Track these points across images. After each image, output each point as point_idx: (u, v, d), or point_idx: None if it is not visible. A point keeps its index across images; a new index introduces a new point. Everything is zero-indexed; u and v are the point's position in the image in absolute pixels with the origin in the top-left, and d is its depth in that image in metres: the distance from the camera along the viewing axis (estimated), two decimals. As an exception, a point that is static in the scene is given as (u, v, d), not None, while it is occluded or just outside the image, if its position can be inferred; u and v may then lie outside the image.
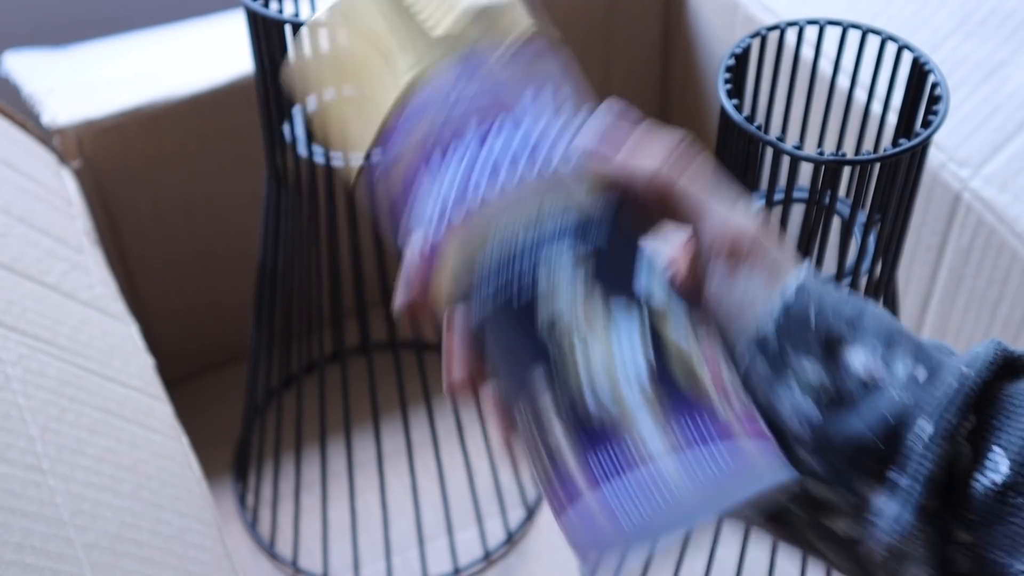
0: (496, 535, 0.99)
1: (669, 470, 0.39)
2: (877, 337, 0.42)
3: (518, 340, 0.42)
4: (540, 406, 0.41)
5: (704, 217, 0.43)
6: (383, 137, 0.45)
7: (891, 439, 0.40)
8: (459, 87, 0.44)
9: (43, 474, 0.60)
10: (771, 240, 0.43)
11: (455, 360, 0.44)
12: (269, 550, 0.98)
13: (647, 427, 0.39)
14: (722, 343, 0.43)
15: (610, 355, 0.40)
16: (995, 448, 0.40)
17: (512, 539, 0.99)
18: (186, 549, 0.65)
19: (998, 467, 0.39)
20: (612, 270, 0.42)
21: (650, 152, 0.43)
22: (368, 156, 0.46)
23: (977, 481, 0.40)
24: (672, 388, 0.40)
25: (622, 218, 0.43)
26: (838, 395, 0.41)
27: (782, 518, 0.45)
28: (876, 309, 0.43)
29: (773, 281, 0.43)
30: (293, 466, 0.97)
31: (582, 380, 0.40)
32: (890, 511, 0.41)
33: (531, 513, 1.01)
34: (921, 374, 0.41)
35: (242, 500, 1.02)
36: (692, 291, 0.44)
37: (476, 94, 0.44)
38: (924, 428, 0.40)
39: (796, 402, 0.42)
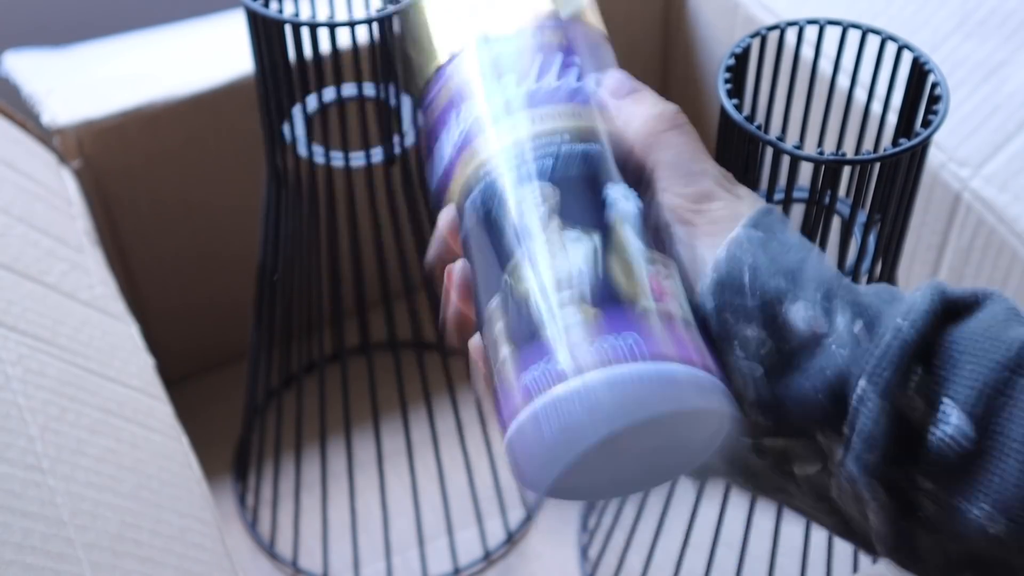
0: (496, 535, 0.99)
1: (590, 381, 0.40)
2: (817, 289, 0.42)
3: (489, 258, 0.44)
4: (495, 332, 0.43)
5: (676, 177, 0.45)
6: (435, 75, 0.49)
7: (836, 398, 0.41)
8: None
9: (43, 474, 0.60)
10: (721, 198, 0.45)
11: (448, 299, 0.46)
12: (269, 550, 0.98)
13: (577, 342, 0.40)
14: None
15: (555, 269, 0.42)
16: (944, 399, 0.40)
17: (512, 539, 0.99)
18: (186, 549, 0.65)
19: (949, 418, 0.40)
20: (579, 207, 0.44)
21: (647, 108, 0.47)
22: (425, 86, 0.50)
23: (932, 433, 0.40)
24: (611, 302, 0.41)
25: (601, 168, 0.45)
26: (782, 357, 0.42)
27: (750, 471, 0.45)
28: (818, 258, 0.43)
29: (717, 241, 0.44)
30: (293, 466, 0.97)
31: (528, 295, 0.42)
32: (846, 464, 0.41)
33: (531, 513, 1.01)
34: (859, 328, 0.41)
35: (242, 500, 1.02)
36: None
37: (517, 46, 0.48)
38: (864, 388, 0.40)
39: (742, 367, 0.42)
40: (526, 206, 0.44)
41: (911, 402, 0.40)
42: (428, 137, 0.49)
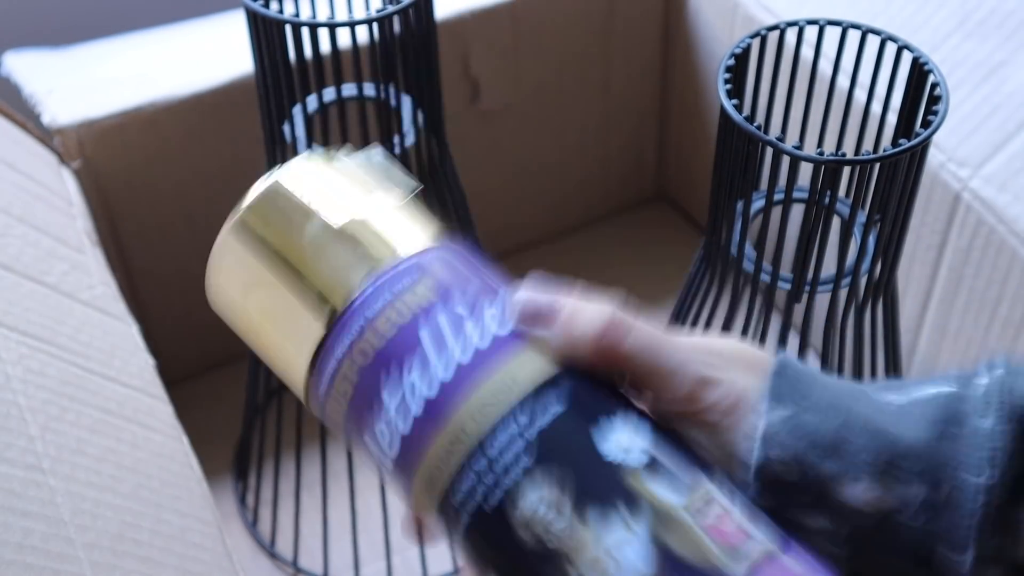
0: (496, 535, 0.99)
1: None
2: (869, 458, 0.39)
3: (501, 547, 0.39)
4: None
5: (656, 377, 0.40)
6: (313, 376, 0.43)
7: (923, 563, 0.39)
8: (369, 302, 0.41)
9: (43, 474, 0.60)
10: (732, 367, 0.41)
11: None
12: (269, 550, 0.98)
13: None
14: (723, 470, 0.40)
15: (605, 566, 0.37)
16: None
17: (512, 539, 0.99)
18: (186, 549, 0.65)
19: None
20: (575, 438, 0.39)
21: (587, 317, 0.40)
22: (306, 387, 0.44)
23: None
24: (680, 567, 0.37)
25: (576, 385, 0.40)
26: (857, 535, 0.39)
27: None
28: (858, 408, 0.40)
29: (741, 422, 0.40)
30: (293, 466, 0.97)
31: None
32: None
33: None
34: (938, 498, 0.38)
35: (242, 500, 1.02)
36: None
37: (392, 307, 0.41)
38: (960, 559, 0.38)
39: (822, 549, 0.39)
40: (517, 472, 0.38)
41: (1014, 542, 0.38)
42: (360, 385, 0.42)
